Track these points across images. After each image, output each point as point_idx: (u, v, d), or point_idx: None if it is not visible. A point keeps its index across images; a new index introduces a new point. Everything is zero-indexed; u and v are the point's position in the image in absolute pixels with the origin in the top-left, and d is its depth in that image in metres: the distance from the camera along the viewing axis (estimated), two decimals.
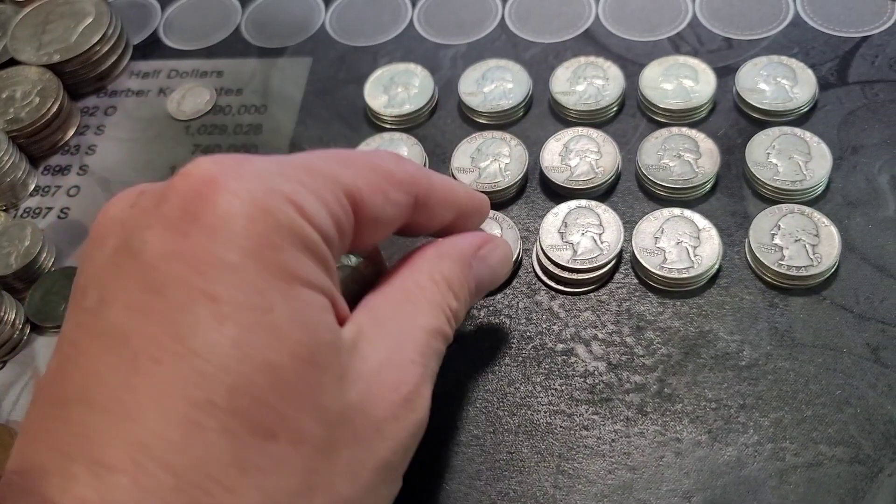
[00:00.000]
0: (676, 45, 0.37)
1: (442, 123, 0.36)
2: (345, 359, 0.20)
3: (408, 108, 0.36)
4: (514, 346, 0.29)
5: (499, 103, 0.35)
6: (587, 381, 0.28)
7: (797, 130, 0.32)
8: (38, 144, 0.38)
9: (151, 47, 0.42)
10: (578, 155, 0.33)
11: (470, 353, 0.29)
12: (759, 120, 0.34)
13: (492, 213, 0.31)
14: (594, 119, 0.34)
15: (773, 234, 0.30)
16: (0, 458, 0.29)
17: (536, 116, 0.35)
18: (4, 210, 0.36)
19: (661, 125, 0.34)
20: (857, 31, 0.36)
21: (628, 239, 0.30)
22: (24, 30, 0.40)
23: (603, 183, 0.32)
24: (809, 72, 0.34)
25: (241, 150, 0.37)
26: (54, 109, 0.37)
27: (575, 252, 0.30)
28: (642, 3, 0.38)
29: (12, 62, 0.39)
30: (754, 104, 0.33)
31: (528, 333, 0.30)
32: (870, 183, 0.31)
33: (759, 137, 0.32)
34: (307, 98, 0.38)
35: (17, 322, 0.32)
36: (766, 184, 0.31)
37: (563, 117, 0.35)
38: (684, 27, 0.37)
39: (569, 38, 0.38)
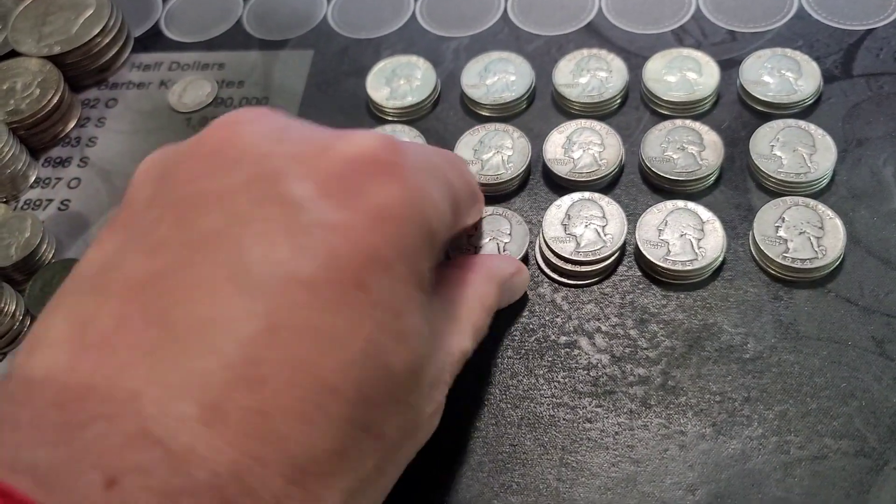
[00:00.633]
0: (680, 37, 0.37)
1: (444, 116, 0.36)
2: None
3: (410, 100, 0.35)
4: (516, 338, 0.29)
5: (501, 95, 0.35)
6: (590, 373, 0.28)
7: (801, 123, 0.32)
8: (38, 136, 0.37)
9: (152, 39, 0.42)
10: (582, 147, 0.33)
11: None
12: (762, 112, 0.33)
13: (501, 209, 0.31)
14: (597, 111, 0.34)
15: (778, 227, 0.30)
16: None
17: (539, 109, 0.35)
18: (5, 202, 0.36)
19: (665, 118, 0.34)
20: (861, 24, 0.35)
21: (632, 231, 0.30)
22: (25, 21, 0.40)
23: (606, 175, 0.32)
24: (814, 64, 0.34)
25: None
26: (55, 101, 0.37)
27: (578, 244, 0.30)
28: None
29: (13, 53, 0.39)
30: (758, 96, 0.33)
31: (530, 326, 0.29)
32: (875, 176, 0.31)
33: (764, 130, 0.32)
34: (309, 90, 0.38)
35: (18, 313, 0.32)
36: (770, 176, 0.31)
37: (565, 110, 0.35)
38: (688, 20, 0.37)
39: (571, 31, 0.38)
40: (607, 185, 0.32)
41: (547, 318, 0.30)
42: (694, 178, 0.31)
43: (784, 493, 0.25)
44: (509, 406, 0.28)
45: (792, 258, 0.29)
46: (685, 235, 0.30)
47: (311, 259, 0.17)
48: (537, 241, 0.31)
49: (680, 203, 0.31)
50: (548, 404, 0.28)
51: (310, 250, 0.17)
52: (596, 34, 0.37)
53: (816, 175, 0.31)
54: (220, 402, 0.16)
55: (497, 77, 0.35)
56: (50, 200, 0.36)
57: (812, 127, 0.32)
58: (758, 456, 0.26)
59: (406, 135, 0.34)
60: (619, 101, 0.35)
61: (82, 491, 0.14)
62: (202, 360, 0.16)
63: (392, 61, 0.37)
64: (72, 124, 0.38)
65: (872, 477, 0.25)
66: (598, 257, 0.30)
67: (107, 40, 0.39)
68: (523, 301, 0.30)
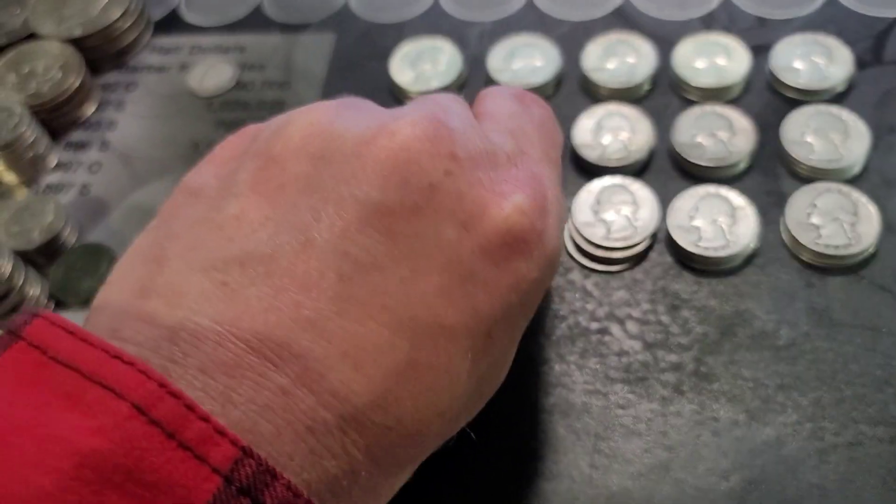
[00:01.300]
0: (708, 24, 0.36)
1: (470, 101, 0.35)
2: None
3: (435, 84, 0.35)
4: (547, 324, 0.29)
5: (528, 80, 0.35)
6: (622, 360, 0.28)
7: (833, 109, 0.32)
8: (58, 120, 0.37)
9: (172, 23, 0.41)
10: (611, 132, 0.32)
11: None
12: (793, 99, 0.33)
13: None
14: (626, 97, 0.34)
15: (810, 213, 0.29)
16: None
17: (566, 94, 0.35)
18: (25, 185, 0.36)
19: (694, 104, 0.33)
20: (892, 11, 0.35)
21: (663, 217, 0.30)
22: (45, 3, 0.39)
23: (636, 161, 0.32)
24: (846, 50, 0.33)
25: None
26: (76, 85, 0.37)
27: (609, 230, 0.30)
28: None
29: (33, 36, 0.38)
30: (789, 83, 0.33)
31: (561, 312, 0.29)
32: None
33: (795, 116, 0.32)
34: (331, 74, 0.38)
35: (42, 298, 0.31)
36: (801, 163, 0.31)
37: (593, 94, 0.34)
38: (716, 6, 0.37)
39: (598, 17, 0.37)
40: (637, 171, 0.32)
41: (578, 305, 0.29)
42: (725, 164, 0.31)
43: (819, 480, 0.25)
44: (541, 393, 0.28)
45: (825, 244, 0.28)
46: (717, 221, 0.29)
47: (458, 310, 0.19)
48: (567, 227, 0.31)
49: (711, 189, 0.30)
50: (580, 391, 0.27)
51: (458, 301, 0.19)
52: (623, 19, 0.37)
53: (849, 161, 0.30)
54: (356, 416, 0.17)
55: (524, 62, 0.35)
56: (71, 184, 0.36)
57: (844, 113, 0.31)
58: (792, 442, 0.26)
59: None
60: (647, 87, 0.34)
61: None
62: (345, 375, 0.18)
63: (416, 44, 0.37)
64: (92, 108, 0.38)
65: None
66: (630, 243, 0.29)
67: (127, 24, 0.39)
68: (553, 287, 0.30)
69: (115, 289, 0.20)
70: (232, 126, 0.36)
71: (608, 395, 0.27)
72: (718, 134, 0.32)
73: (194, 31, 0.41)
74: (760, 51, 0.35)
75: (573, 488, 0.26)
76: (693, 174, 0.32)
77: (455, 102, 0.24)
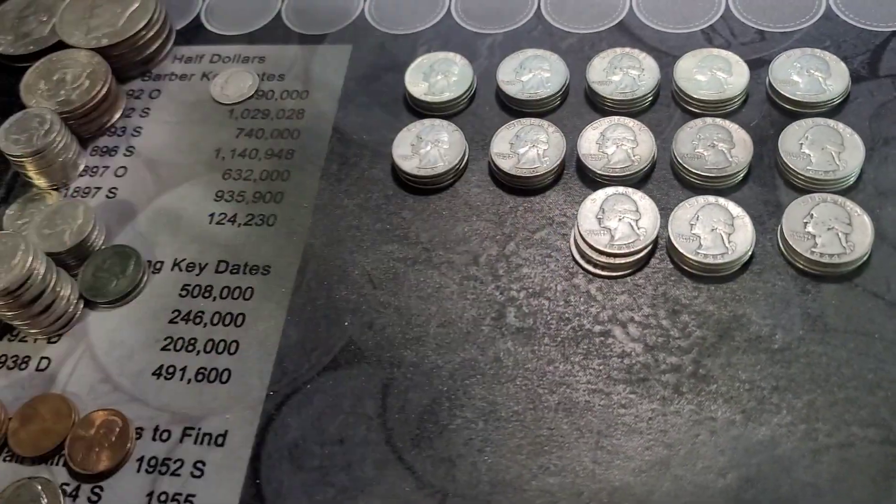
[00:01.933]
0: (710, 37, 0.38)
1: (481, 111, 0.37)
2: None
3: (447, 95, 0.37)
4: (552, 326, 0.30)
5: (536, 92, 0.36)
6: (624, 361, 0.29)
7: (830, 121, 0.33)
8: (86, 126, 0.39)
9: (194, 32, 0.43)
10: (615, 143, 0.34)
11: (510, 332, 0.30)
12: (791, 111, 0.34)
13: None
14: (630, 108, 0.35)
15: (806, 223, 0.31)
16: (58, 427, 0.30)
17: (573, 105, 0.36)
18: (56, 189, 0.37)
19: (695, 115, 0.35)
20: (887, 26, 0.36)
21: (664, 225, 0.31)
22: (73, 14, 0.41)
23: (639, 171, 0.33)
24: (842, 64, 0.34)
25: (285, 133, 0.38)
26: (103, 92, 0.38)
27: (612, 237, 0.31)
28: None
29: (61, 45, 0.40)
30: (788, 95, 0.34)
31: (566, 315, 0.31)
32: None
33: (792, 128, 0.33)
34: (348, 84, 0.39)
35: (72, 297, 0.33)
36: (798, 173, 0.32)
37: (599, 106, 0.36)
38: (717, 19, 0.38)
39: (603, 29, 0.39)
40: (640, 181, 0.33)
41: (582, 308, 0.31)
42: (724, 174, 0.32)
43: (812, 479, 0.26)
44: (546, 391, 0.29)
45: (820, 253, 0.30)
46: (716, 230, 0.31)
47: None
48: (572, 234, 0.32)
49: (711, 198, 0.32)
50: (583, 390, 0.29)
51: None
52: (627, 32, 0.38)
53: (844, 173, 0.32)
54: None
55: (532, 74, 0.36)
56: (98, 188, 0.38)
57: (840, 125, 0.33)
58: (787, 443, 0.27)
59: (444, 129, 0.35)
60: (650, 99, 0.36)
61: None
62: None
63: (430, 57, 0.38)
64: (118, 115, 0.40)
65: None
66: (632, 250, 0.31)
67: (151, 33, 0.41)
68: (559, 291, 0.31)
69: None
70: (252, 133, 0.38)
71: (611, 394, 0.29)
72: (718, 145, 0.33)
73: (215, 40, 0.42)
74: (760, 63, 0.36)
75: (577, 482, 0.27)
76: (693, 184, 0.33)
77: None
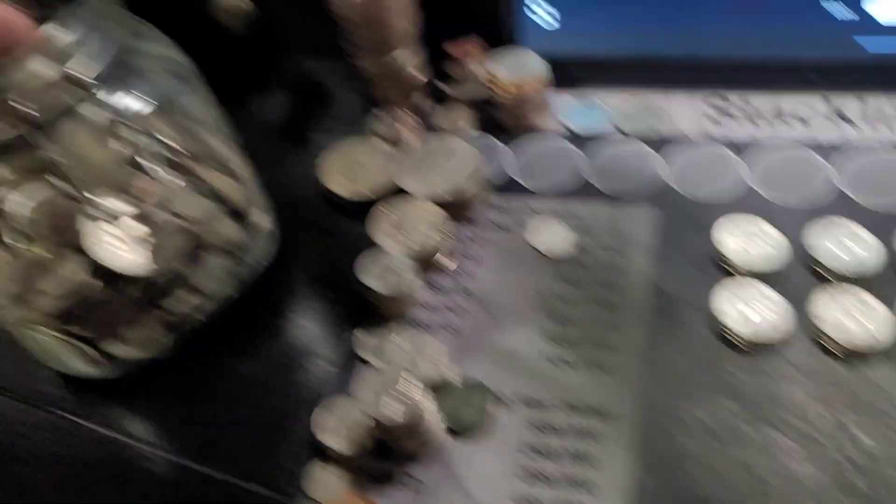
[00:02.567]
0: None
1: (794, 275, 0.40)
2: None
3: (760, 266, 0.40)
4: None
5: (861, 264, 0.39)
6: None
7: None
8: (425, 268, 0.44)
9: (507, 184, 0.48)
10: None
11: (856, 495, 0.33)
12: None
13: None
14: None
15: None
16: None
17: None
18: (395, 322, 0.42)
19: None
20: None
21: None
22: (412, 164, 0.47)
23: None
24: None
25: (605, 285, 0.42)
26: (441, 239, 0.44)
27: None
28: None
29: (401, 192, 0.46)
30: None
31: None
32: None
33: None
34: (659, 242, 0.43)
35: (437, 426, 0.37)
36: None
37: None
38: None
39: None
40: None
41: None
42: None
43: None
44: None
45: None
46: None
47: None
48: None
49: None
50: None
51: None
52: None
53: None
54: None
55: (850, 243, 0.40)
56: (439, 324, 0.42)
57: None
58: None
59: (758, 290, 0.39)
60: None
61: None
62: None
63: (736, 219, 0.42)
64: (453, 261, 0.45)
65: None
66: None
67: (476, 186, 0.46)
68: None
69: None
70: (574, 282, 0.42)
71: None
72: None
73: (528, 193, 0.48)
74: None
75: None
76: None
77: None
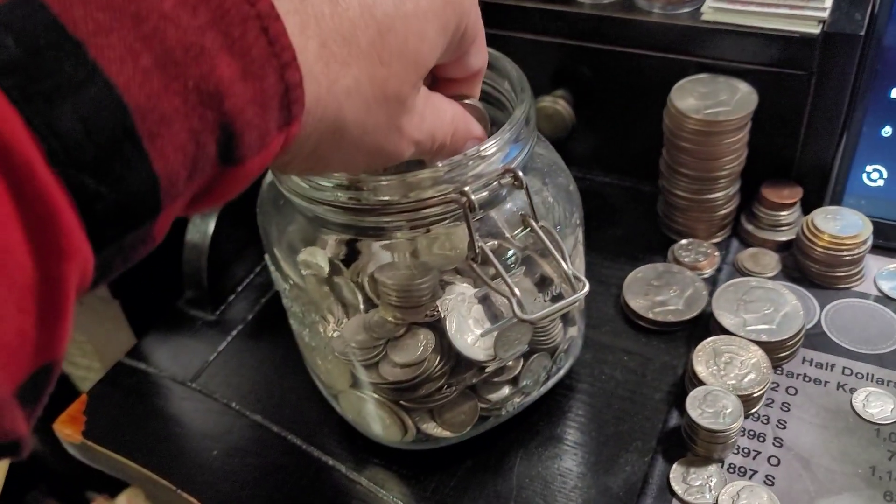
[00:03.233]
0: None
1: None
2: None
3: None
4: None
5: None
6: None
7: None
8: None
9: (819, 339, 0.47)
10: None
11: None
12: None
13: None
14: None
15: None
16: None
17: None
18: (718, 461, 0.41)
19: None
20: None
21: None
22: (727, 301, 0.47)
23: None
24: None
25: None
26: (757, 380, 0.43)
27: None
28: None
29: (723, 330, 0.46)
30: None
31: None
32: None
33: None
34: None
35: None
36: None
37: None
38: None
39: None
40: None
41: None
42: None
43: None
44: None
45: None
46: None
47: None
48: None
49: None
50: None
51: None
52: None
53: None
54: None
55: None
56: (754, 471, 0.41)
57: None
58: None
59: None
60: None
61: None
62: None
63: None
64: (760, 403, 0.44)
65: None
66: None
67: (795, 338, 0.45)
68: None
69: None
70: None
71: None
72: None
73: (842, 352, 0.46)
74: None
75: None
76: None
77: None
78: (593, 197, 0.61)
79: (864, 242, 0.49)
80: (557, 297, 0.41)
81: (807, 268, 0.51)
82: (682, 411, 0.42)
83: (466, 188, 0.34)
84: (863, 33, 0.47)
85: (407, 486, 0.44)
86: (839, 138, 0.51)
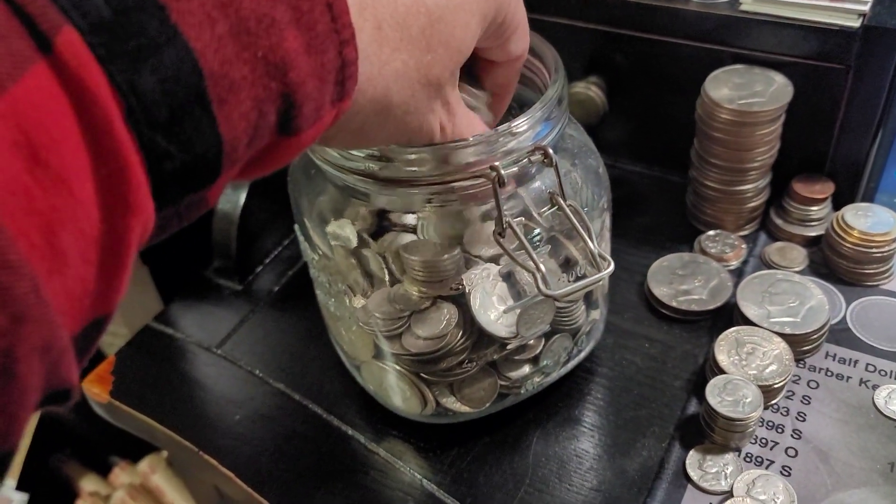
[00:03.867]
0: None
1: None
2: None
3: None
4: None
5: None
6: None
7: None
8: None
9: (843, 335, 0.47)
10: None
11: None
12: None
13: None
14: None
15: None
16: None
17: None
18: (735, 450, 0.41)
19: None
20: None
21: None
22: (752, 292, 0.47)
23: None
24: None
25: None
26: (787, 371, 0.43)
27: None
28: None
29: (747, 321, 0.46)
30: None
31: None
32: None
33: None
34: None
35: None
36: None
37: None
38: None
39: None
40: None
41: None
42: None
43: None
44: None
45: None
46: None
47: None
48: None
49: None
50: None
51: None
52: None
53: None
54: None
55: None
56: (770, 461, 0.41)
57: None
58: None
59: None
60: None
61: None
62: None
63: None
64: (780, 395, 0.44)
65: None
66: None
67: (820, 332, 0.45)
68: None
69: None
70: None
71: None
72: None
73: (866, 349, 0.46)
74: None
75: None
76: None
77: None
78: (622, 184, 0.61)
79: (894, 240, 0.49)
80: (581, 279, 0.41)
81: (835, 264, 0.50)
82: (702, 399, 0.42)
83: (497, 163, 0.35)
84: None
85: (424, 458, 0.45)
86: (874, 135, 0.50)
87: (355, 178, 0.36)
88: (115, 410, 0.50)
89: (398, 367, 0.42)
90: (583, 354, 0.46)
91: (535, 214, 0.38)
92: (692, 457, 0.42)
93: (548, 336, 0.43)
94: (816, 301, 0.46)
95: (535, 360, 0.43)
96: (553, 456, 0.44)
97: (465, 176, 0.35)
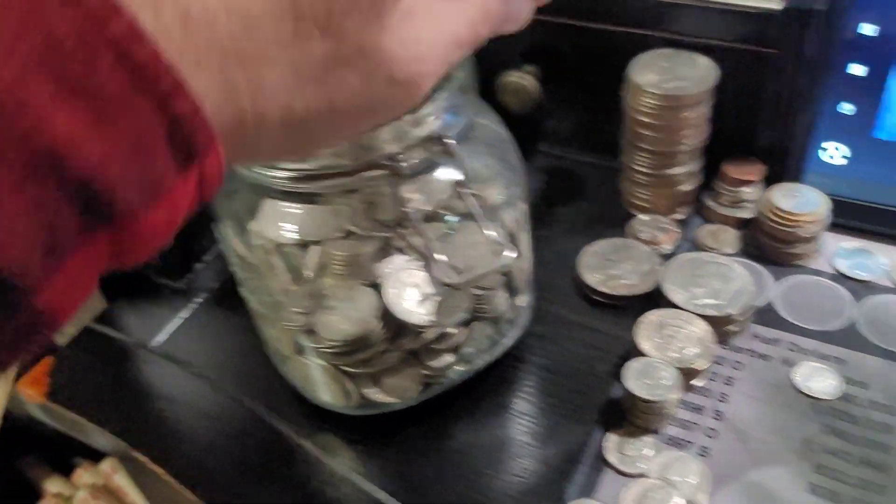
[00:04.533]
0: None
1: None
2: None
3: None
4: None
5: None
6: None
7: None
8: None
9: (769, 315, 0.47)
10: None
11: None
12: None
13: None
14: None
15: None
16: None
17: None
18: (649, 433, 0.42)
19: None
20: None
21: None
22: (676, 275, 0.47)
23: None
24: None
25: (875, 446, 0.40)
26: (704, 354, 0.43)
27: None
28: None
29: (670, 304, 0.46)
30: None
31: None
32: None
33: None
34: None
35: None
36: None
37: None
38: None
39: None
40: None
41: None
42: None
43: None
44: None
45: None
46: None
47: None
48: None
49: None
50: None
51: None
52: None
53: None
54: None
55: None
56: (689, 442, 0.41)
57: None
58: None
59: None
60: None
61: None
62: None
63: None
64: (703, 379, 0.44)
65: None
66: None
67: (745, 312, 0.45)
68: None
69: None
70: (841, 434, 0.40)
71: None
72: None
73: (790, 328, 0.46)
74: None
75: None
76: None
77: None
78: (560, 172, 0.61)
79: (820, 220, 0.49)
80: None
81: (764, 244, 0.51)
82: None
83: (398, 153, 0.35)
84: (825, 9, 0.47)
85: (354, 451, 0.45)
86: (800, 115, 0.51)
87: (264, 175, 0.37)
88: (51, 411, 0.50)
89: (319, 362, 0.42)
90: (508, 342, 0.46)
91: (442, 203, 0.38)
92: (611, 440, 0.42)
93: (468, 324, 0.43)
94: (741, 282, 0.47)
95: (456, 349, 0.43)
96: (480, 444, 0.44)
97: (368, 166, 0.35)
